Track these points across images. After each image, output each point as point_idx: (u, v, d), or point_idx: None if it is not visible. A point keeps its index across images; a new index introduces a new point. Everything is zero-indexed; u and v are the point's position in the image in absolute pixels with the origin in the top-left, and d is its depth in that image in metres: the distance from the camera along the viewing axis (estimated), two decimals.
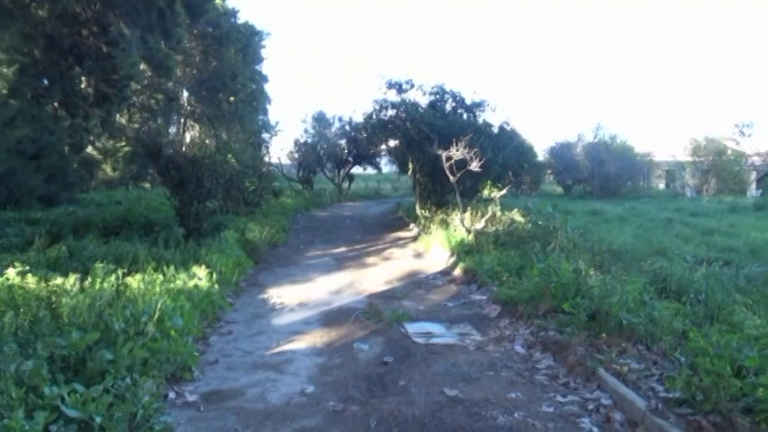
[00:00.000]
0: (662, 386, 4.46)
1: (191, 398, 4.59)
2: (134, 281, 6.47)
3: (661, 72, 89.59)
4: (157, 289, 6.32)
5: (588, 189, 32.91)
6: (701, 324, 5.67)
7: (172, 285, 6.76)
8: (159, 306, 5.24)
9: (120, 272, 6.61)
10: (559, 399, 4.61)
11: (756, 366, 3.95)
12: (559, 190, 34.99)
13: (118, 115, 21.47)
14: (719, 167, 34.61)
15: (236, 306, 7.86)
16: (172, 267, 7.59)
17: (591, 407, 4.42)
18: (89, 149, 21.49)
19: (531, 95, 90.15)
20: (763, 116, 34.77)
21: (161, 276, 7.05)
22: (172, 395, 4.60)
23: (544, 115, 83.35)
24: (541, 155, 32.81)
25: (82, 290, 5.57)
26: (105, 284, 5.81)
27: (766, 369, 3.84)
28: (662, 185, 38.64)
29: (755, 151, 36.06)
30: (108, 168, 25.34)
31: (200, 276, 7.59)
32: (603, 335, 5.53)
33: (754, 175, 36.40)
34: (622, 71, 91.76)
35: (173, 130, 28.63)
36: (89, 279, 6.10)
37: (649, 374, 4.74)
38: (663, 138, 39.24)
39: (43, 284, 5.54)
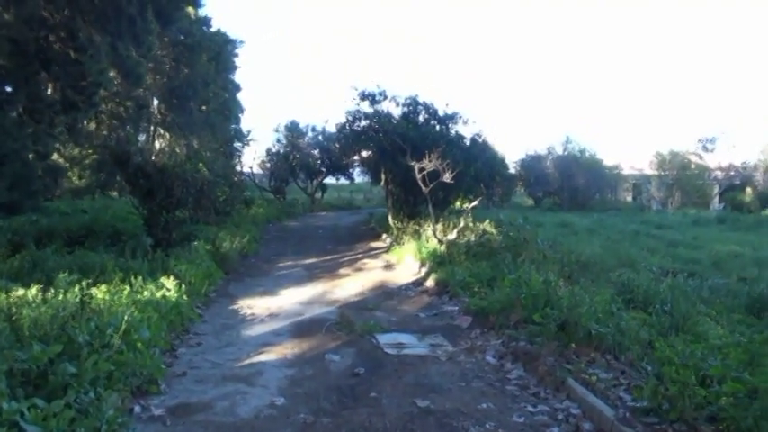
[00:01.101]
0: (629, 395, 4.53)
1: (157, 411, 4.49)
2: (100, 292, 6.32)
3: (628, 85, 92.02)
4: (124, 300, 6.19)
5: (558, 201, 33.45)
6: (666, 334, 5.79)
7: (139, 296, 6.63)
8: (126, 317, 5.12)
9: (84, 282, 6.44)
10: (530, 409, 4.64)
11: (720, 375, 4.04)
12: (530, 202, 35.48)
13: (85, 122, 21.02)
14: (684, 181, 35.61)
15: (206, 317, 7.73)
16: (139, 278, 7.43)
17: (560, 416, 4.46)
18: (54, 157, 20.95)
19: (503, 108, 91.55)
20: (725, 131, 35.93)
21: (128, 287, 6.90)
22: (137, 409, 4.49)
23: (515, 128, 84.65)
24: (512, 167, 33.24)
25: (44, 301, 5.40)
26: (69, 295, 5.65)
27: (729, 378, 3.93)
28: (629, 198, 39.51)
29: (718, 165, 37.23)
30: (74, 176, 24.76)
31: (169, 287, 7.44)
32: (573, 345, 5.60)
33: (716, 189, 37.57)
34: (591, 83, 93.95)
35: (142, 138, 28.15)
36: (52, 290, 5.93)
37: (617, 384, 4.81)
38: (629, 150, 40.29)
39: (3, 296, 5.37)
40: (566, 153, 35.49)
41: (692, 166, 36.49)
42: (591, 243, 13.69)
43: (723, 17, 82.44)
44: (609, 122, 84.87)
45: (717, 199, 37.15)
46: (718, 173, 37.25)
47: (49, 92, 16.48)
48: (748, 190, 34.51)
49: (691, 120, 62.22)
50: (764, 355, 4.15)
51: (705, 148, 37.09)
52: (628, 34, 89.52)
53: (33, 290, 5.63)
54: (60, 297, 5.57)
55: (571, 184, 32.42)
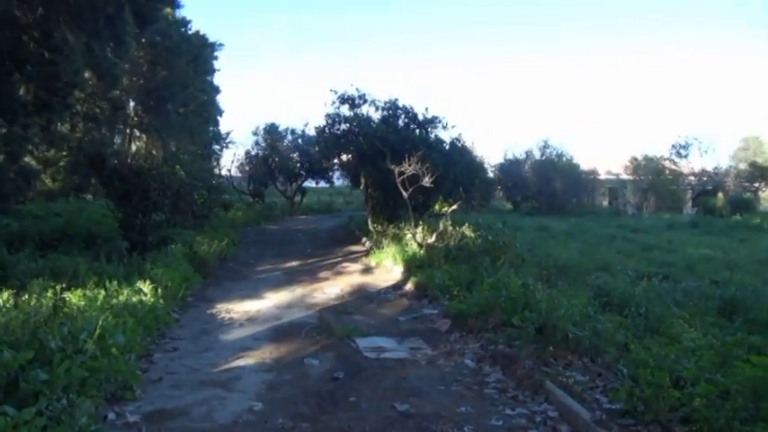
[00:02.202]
0: (606, 398, 4.58)
1: (132, 418, 4.40)
2: (73, 296, 6.22)
3: (605, 90, 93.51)
4: (98, 305, 6.10)
5: (536, 205, 33.80)
6: (642, 336, 5.87)
7: (114, 301, 6.55)
8: (100, 322, 5.04)
9: (58, 287, 6.33)
10: (508, 412, 4.66)
11: (693, 377, 4.11)
12: (509, 206, 35.80)
13: (60, 124, 20.62)
14: (658, 186, 36.30)
15: (183, 322, 7.63)
16: (114, 282, 7.34)
17: (539, 419, 4.49)
18: (27, 159, 20.52)
19: (482, 112, 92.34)
20: (698, 137, 36.60)
21: (103, 292, 6.81)
22: (111, 416, 4.40)
23: (494, 132, 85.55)
24: (491, 171, 33.49)
25: (16, 306, 5.28)
26: (42, 300, 5.54)
27: (702, 380, 4.00)
28: (605, 202, 40.14)
29: (691, 171, 38.02)
30: (47, 179, 24.26)
31: (145, 291, 7.36)
32: (551, 348, 5.64)
33: (689, 194, 38.35)
34: (569, 88, 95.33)
35: (118, 140, 27.75)
36: (25, 295, 5.81)
37: (594, 386, 4.86)
38: (606, 155, 40.80)
39: None
40: (543, 158, 35.92)
41: (666, 172, 37.26)
42: (568, 247, 13.85)
43: (698, 25, 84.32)
44: (586, 127, 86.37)
45: (690, 203, 37.93)
46: (692, 178, 38.08)
47: (22, 92, 16.14)
48: (720, 195, 35.30)
49: (665, 125, 63.73)
50: (736, 357, 4.24)
51: (679, 154, 37.89)
52: (606, 40, 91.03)
53: (5, 295, 5.53)
54: (33, 302, 5.46)
55: (549, 188, 32.81)
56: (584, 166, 36.62)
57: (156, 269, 8.79)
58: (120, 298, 6.76)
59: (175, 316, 7.76)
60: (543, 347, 5.68)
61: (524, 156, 36.48)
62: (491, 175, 32.15)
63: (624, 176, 38.66)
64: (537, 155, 36.31)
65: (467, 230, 12.60)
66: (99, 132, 24.01)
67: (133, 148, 26.31)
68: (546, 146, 36.33)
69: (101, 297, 6.50)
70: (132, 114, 27.61)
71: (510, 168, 35.15)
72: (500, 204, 36.36)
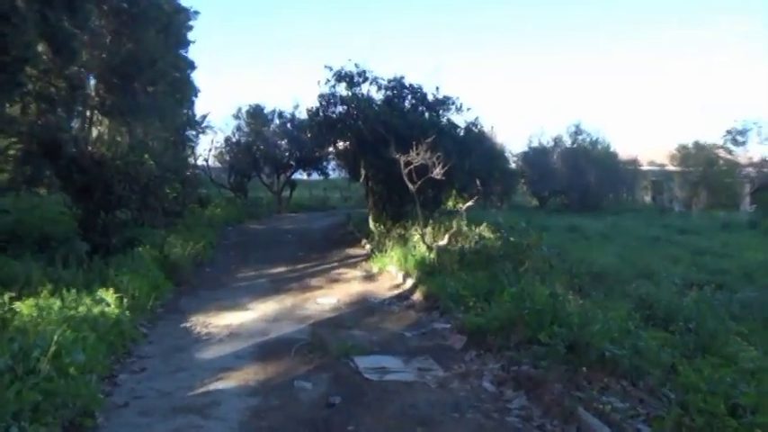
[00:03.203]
0: (649, 427, 4.57)
1: None
2: (25, 307, 6.23)
3: (648, 68, 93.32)
4: (54, 317, 6.11)
5: (566, 202, 33.74)
6: (691, 356, 5.86)
7: (72, 312, 6.56)
8: (56, 338, 5.05)
9: (6, 296, 6.34)
10: None
11: (753, 404, 4.10)
12: (534, 202, 35.75)
13: (8, 105, 20.68)
14: (710, 178, 36.09)
15: (152, 337, 7.65)
16: (73, 291, 7.36)
17: None
18: None
19: (502, 92, 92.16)
20: (758, 122, 36.13)
21: (59, 302, 6.82)
22: None
23: (517, 115, 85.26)
24: (514, 161, 33.47)
25: None
26: None
27: (764, 407, 3.99)
28: (648, 198, 39.99)
29: (749, 161, 37.68)
30: None
31: (108, 301, 7.39)
32: (584, 369, 5.64)
33: (747, 188, 38.06)
34: (605, 65, 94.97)
35: (76, 124, 27.76)
36: None
37: (635, 414, 4.85)
38: (648, 143, 40.67)
39: None
40: (575, 145, 35.82)
41: (720, 162, 37.00)
42: (604, 250, 13.83)
43: None
44: (624, 110, 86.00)
45: (748, 199, 37.70)
46: (750, 169, 37.71)
47: None
48: None
49: (719, 109, 63.21)
50: None
51: (735, 141, 37.55)
52: (647, 12, 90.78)
53: None
54: None
55: (581, 181, 32.71)
56: (623, 155, 36.47)
57: (122, 276, 8.81)
58: (80, 309, 6.77)
59: (144, 330, 7.77)
60: (575, 368, 5.67)
61: (552, 143, 36.38)
62: (513, 165, 32.15)
63: (670, 167, 38.49)
64: (567, 142, 36.23)
65: (485, 231, 12.59)
66: (54, 115, 24.01)
67: (94, 133, 26.37)
68: (578, 131, 36.24)
69: (56, 308, 6.51)
70: (93, 94, 27.64)
71: (535, 158, 35.06)
72: (524, 200, 36.33)
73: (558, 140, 36.40)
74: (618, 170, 34.89)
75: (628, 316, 6.73)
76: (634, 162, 36.95)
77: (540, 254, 10.44)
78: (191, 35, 30.00)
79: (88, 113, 28.44)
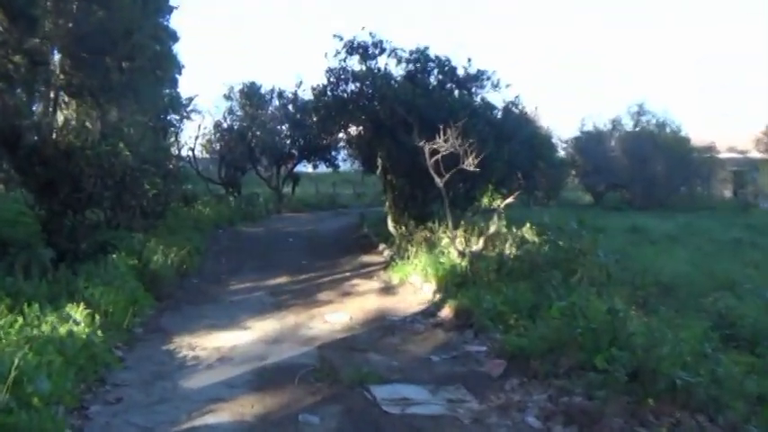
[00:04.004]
0: None
1: None
2: None
3: (725, 36, 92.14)
4: (13, 337, 6.16)
5: (627, 197, 33.51)
6: None
7: (35, 332, 6.60)
8: (15, 362, 5.10)
9: None
10: None
11: None
12: (588, 198, 35.59)
13: None
14: None
15: (130, 362, 7.69)
16: (35, 306, 7.41)
17: None
18: None
19: (548, 66, 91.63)
20: None
21: (19, 319, 6.88)
22: None
23: (566, 94, 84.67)
24: (562, 149, 33.31)
25: None
26: None
27: None
28: (727, 192, 39.51)
29: None
30: None
31: (77, 319, 7.43)
32: (649, 401, 5.60)
33: None
34: (672, 34, 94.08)
35: (39, 107, 28.06)
36: None
37: None
38: (728, 126, 40.21)
39: None
40: (638, 128, 35.55)
41: None
42: (674, 256, 13.71)
43: None
44: (696, 87, 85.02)
45: None
46: None
47: None
48: None
49: None
50: None
51: None
52: None
53: None
54: None
55: (646, 172, 32.46)
56: (697, 140, 35.97)
57: (93, 288, 8.87)
58: (44, 328, 6.81)
59: (119, 354, 7.81)
60: (639, 400, 5.64)
61: (610, 126, 36.19)
62: (562, 153, 32.00)
63: (755, 155, 38.03)
64: (628, 125, 36.00)
65: (528, 233, 12.53)
66: (12, 97, 24.30)
67: (60, 118, 26.62)
68: (641, 111, 36.00)
69: (16, 326, 6.56)
70: (58, 72, 27.91)
71: (589, 145, 34.87)
72: (575, 195, 36.16)
73: (616, 123, 36.21)
74: (690, 159, 34.44)
75: (704, 336, 6.66)
76: (710, 149, 36.42)
77: (595, 261, 10.36)
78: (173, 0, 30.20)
79: (52, 94, 28.70)
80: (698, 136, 36.51)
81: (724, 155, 38.18)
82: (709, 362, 5.97)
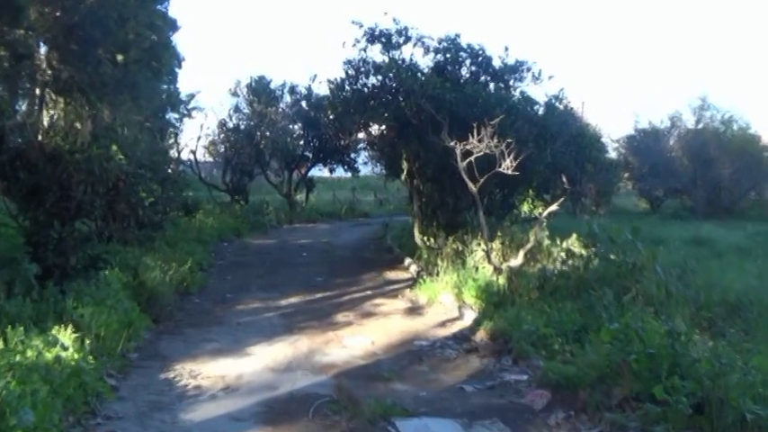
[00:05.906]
0: None
1: None
2: None
3: None
4: None
5: (688, 204, 33.24)
6: None
7: (19, 358, 6.65)
8: None
9: None
10: None
11: None
12: (643, 205, 35.35)
13: None
14: None
15: (123, 391, 7.73)
16: (19, 328, 7.47)
17: None
18: None
19: (596, 56, 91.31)
20: None
21: (1, 343, 6.94)
22: None
23: (617, 88, 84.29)
24: (614, 149, 33.11)
25: None
26: None
27: None
28: None
29: None
30: None
31: (65, 343, 7.46)
32: None
33: None
34: (738, 19, 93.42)
35: (23, 106, 28.44)
36: None
37: None
38: None
39: None
40: (700, 125, 35.23)
41: None
42: (744, 271, 13.56)
43: None
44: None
45: None
46: None
47: None
48: None
49: None
50: None
51: None
52: None
53: None
54: None
55: (709, 175, 32.21)
56: None
57: (83, 308, 8.91)
58: (28, 353, 6.85)
59: (112, 382, 7.82)
60: None
61: (668, 123, 35.93)
62: (613, 155, 31.80)
63: None
64: (689, 121, 35.68)
65: (575, 245, 12.46)
66: None
67: (46, 118, 26.95)
68: (704, 106, 35.62)
69: None
70: (44, 66, 28.29)
71: (644, 144, 34.66)
72: (628, 202, 35.91)
73: (675, 119, 35.89)
74: (761, 159, 34.14)
75: None
76: None
77: (653, 277, 10.29)
78: None
79: (38, 92, 29.08)
80: None
81: None
82: None
